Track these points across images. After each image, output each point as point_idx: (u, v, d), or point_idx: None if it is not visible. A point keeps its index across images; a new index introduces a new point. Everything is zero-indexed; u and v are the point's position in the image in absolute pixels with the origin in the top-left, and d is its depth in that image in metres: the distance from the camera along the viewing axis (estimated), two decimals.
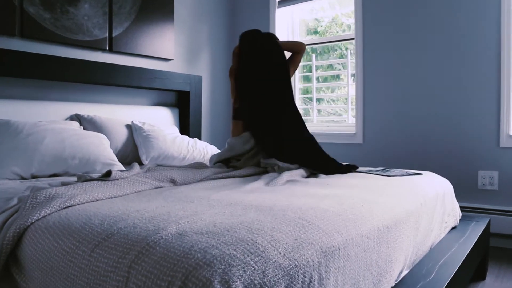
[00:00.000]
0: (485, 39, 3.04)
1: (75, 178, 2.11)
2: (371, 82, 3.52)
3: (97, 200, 1.54)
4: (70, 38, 2.96)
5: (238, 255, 0.99)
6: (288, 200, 1.50)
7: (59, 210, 1.40)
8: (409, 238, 1.69)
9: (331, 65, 4.06)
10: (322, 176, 2.26)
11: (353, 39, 3.70)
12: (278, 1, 3.98)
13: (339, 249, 1.21)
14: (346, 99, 3.82)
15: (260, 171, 2.38)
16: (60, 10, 2.90)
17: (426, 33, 3.27)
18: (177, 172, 1.98)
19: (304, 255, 1.09)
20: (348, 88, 3.77)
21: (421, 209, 1.86)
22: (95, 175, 2.18)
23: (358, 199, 1.59)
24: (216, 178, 2.12)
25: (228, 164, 2.50)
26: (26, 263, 1.28)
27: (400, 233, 1.60)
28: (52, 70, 2.77)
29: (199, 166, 2.26)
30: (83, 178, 1.94)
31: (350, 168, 2.42)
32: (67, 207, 1.43)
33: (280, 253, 1.05)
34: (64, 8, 2.92)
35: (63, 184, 1.88)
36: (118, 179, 1.72)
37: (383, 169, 2.45)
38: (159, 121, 3.42)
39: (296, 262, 1.05)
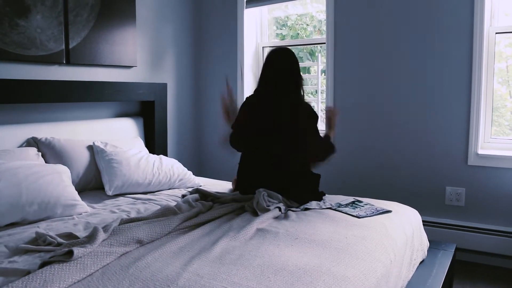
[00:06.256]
0: (457, 58, 3.00)
1: (33, 232, 1.98)
2: (340, 88, 3.45)
3: None
4: (22, 54, 2.74)
5: None
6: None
7: None
8: None
9: (300, 57, 3.96)
10: (292, 217, 2.22)
11: (324, 43, 3.59)
12: (246, 1, 3.77)
13: None
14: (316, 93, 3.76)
15: (234, 208, 2.31)
16: (8, 24, 2.66)
17: (396, 49, 3.20)
18: (143, 230, 1.90)
19: None
20: (319, 87, 3.72)
21: (391, 266, 1.86)
22: (56, 221, 2.09)
23: (327, 278, 1.55)
24: (184, 228, 2.06)
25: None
26: None
27: None
28: (4, 92, 2.57)
29: (166, 212, 2.18)
30: (43, 238, 1.86)
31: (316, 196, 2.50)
32: None
33: None
34: (13, 21, 2.68)
35: (18, 248, 1.77)
36: (81, 257, 1.63)
37: (353, 203, 2.44)
38: (122, 134, 3.27)
39: None
